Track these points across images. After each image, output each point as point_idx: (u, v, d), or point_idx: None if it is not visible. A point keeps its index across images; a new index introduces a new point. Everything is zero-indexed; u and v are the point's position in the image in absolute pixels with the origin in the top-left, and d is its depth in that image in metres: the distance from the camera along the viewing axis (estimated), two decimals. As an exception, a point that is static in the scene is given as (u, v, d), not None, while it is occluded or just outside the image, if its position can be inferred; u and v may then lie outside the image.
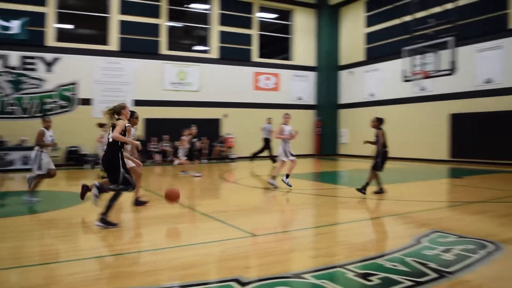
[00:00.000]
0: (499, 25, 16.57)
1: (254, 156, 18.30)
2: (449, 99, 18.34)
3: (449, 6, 14.34)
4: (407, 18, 15.49)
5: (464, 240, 5.25)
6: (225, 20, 21.80)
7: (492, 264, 4.35)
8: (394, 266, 4.24)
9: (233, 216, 7.02)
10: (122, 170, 6.22)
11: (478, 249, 4.81)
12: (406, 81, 15.33)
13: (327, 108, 24.12)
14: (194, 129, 14.22)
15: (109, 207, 6.16)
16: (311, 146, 24.11)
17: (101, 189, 6.26)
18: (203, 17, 21.88)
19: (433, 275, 3.98)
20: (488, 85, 16.98)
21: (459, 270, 4.13)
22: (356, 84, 23.33)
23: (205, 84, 21.18)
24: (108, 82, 18.90)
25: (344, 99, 24.25)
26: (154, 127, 19.62)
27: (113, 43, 19.19)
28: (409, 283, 3.76)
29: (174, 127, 19.54)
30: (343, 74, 24.25)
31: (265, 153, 18.17)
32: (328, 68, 24.18)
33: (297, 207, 8.43)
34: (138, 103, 19.26)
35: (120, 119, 6.33)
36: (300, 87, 24.15)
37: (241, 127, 21.68)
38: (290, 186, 10.15)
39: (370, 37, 22.47)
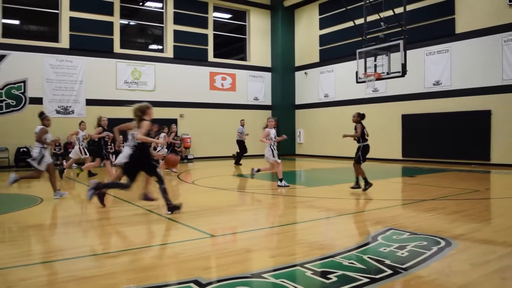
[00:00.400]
0: (446, 30, 17.26)
1: (238, 160, 18.24)
2: (401, 100, 18.93)
3: (399, 10, 14.75)
4: (359, 21, 15.83)
5: (417, 237, 5.42)
6: (180, 19, 21.59)
7: (444, 259, 4.49)
8: (352, 263, 4.31)
9: (191, 217, 6.95)
10: (154, 164, 7.13)
11: (431, 245, 4.96)
12: (359, 82, 15.68)
13: (284, 108, 24.33)
14: (174, 128, 14.51)
15: (166, 198, 6.96)
16: (267, 146, 24.24)
17: (166, 197, 6.98)
18: (157, 16, 21.58)
19: (389, 271, 4.07)
20: (436, 87, 17.65)
21: (413, 266, 4.25)
22: (311, 85, 23.66)
23: (161, 83, 20.90)
24: (59, 81, 18.30)
25: (300, 99, 24.54)
26: (108, 127, 19.10)
27: (64, 40, 18.59)
28: (366, 280, 3.83)
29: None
30: (299, 75, 24.54)
31: (233, 153, 18.25)
32: (283, 69, 24.40)
33: (255, 207, 8.44)
34: (91, 102, 18.78)
35: (144, 119, 6.89)
36: (256, 87, 24.27)
37: (197, 127, 21.55)
38: (288, 185, 10.56)
39: (324, 39, 22.85)
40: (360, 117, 9.84)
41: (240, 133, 17.90)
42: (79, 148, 13.36)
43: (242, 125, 18.18)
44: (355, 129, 9.70)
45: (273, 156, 10.70)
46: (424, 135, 17.92)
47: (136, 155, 6.95)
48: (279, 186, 10.54)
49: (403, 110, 18.82)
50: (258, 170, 11.08)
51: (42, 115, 9.11)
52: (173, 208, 7.03)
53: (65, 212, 7.83)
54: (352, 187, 9.82)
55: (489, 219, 6.89)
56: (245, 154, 18.17)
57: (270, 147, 10.75)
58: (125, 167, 7.15)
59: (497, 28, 15.78)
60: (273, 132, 10.89)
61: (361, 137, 9.64)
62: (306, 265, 4.26)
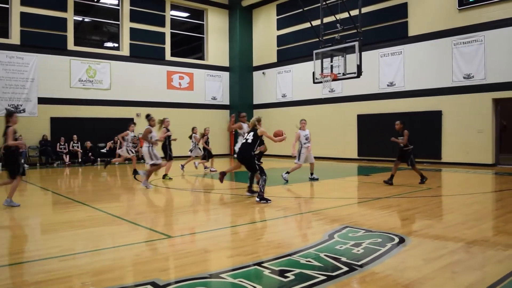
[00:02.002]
0: (400, 32, 17.78)
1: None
2: (357, 100, 19.33)
3: (355, 12, 15.04)
4: (316, 22, 16.02)
5: (372, 234, 5.55)
6: (136, 17, 21.23)
7: (398, 255, 4.62)
8: (309, 261, 4.36)
9: (148, 218, 6.85)
10: (257, 163, 8.40)
11: (386, 242, 5.10)
12: (316, 83, 15.88)
13: (242, 108, 24.23)
14: (208, 130, 14.99)
15: (262, 188, 8.12)
16: (226, 146, 24.21)
17: (261, 197, 8.12)
18: (113, 13, 21.13)
19: (345, 268, 4.15)
20: (390, 88, 18.14)
21: (368, 262, 4.34)
22: (269, 85, 23.79)
23: (116, 82, 20.48)
24: (9, 78, 17.62)
25: (257, 99, 24.63)
26: (62, 126, 18.60)
27: (15, 36, 17.90)
28: (322, 278, 3.88)
29: (84, 127, 18.70)
30: (257, 75, 24.62)
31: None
32: (241, 69, 24.42)
33: (213, 207, 8.40)
34: (43, 101, 18.19)
35: (259, 128, 8.67)
36: (214, 87, 24.19)
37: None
38: (287, 181, 11.26)
39: (282, 39, 23.04)
40: (403, 125, 10.79)
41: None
42: (126, 148, 14.11)
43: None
44: (404, 135, 10.49)
45: (299, 158, 11.41)
46: (378, 135, 18.31)
47: (244, 155, 8.45)
48: (282, 176, 11.39)
49: (358, 110, 19.22)
50: (288, 173, 11.48)
51: (148, 116, 10.83)
52: (264, 199, 8.06)
53: (18, 215, 7.54)
54: (385, 181, 10.79)
55: (441, 216, 7.14)
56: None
57: (300, 149, 11.35)
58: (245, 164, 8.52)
59: (447, 31, 16.39)
60: (303, 133, 11.38)
61: (408, 141, 10.61)
62: (264, 264, 4.29)
